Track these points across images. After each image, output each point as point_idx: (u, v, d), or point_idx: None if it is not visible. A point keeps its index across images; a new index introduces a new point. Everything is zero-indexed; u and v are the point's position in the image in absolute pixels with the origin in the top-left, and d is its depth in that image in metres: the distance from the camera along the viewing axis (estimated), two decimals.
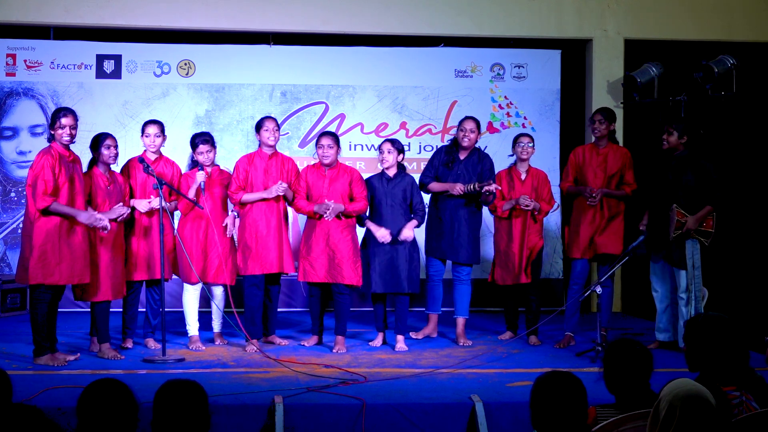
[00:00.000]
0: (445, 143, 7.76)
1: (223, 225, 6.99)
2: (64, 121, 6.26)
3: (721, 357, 3.55)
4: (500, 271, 7.42)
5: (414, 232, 7.06)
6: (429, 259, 7.51)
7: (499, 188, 7.28)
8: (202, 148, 6.99)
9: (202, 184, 6.88)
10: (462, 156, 7.39)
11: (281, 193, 6.96)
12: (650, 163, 7.28)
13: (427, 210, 7.36)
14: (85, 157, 6.71)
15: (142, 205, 6.77)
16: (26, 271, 6.17)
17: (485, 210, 7.71)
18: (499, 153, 9.19)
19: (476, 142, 7.44)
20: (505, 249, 7.38)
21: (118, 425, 3.01)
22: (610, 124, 7.32)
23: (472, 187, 7.18)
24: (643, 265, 7.25)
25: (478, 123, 7.43)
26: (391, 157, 7.11)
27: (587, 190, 7.24)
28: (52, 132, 6.29)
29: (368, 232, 7.15)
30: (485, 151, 8.87)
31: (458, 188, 7.21)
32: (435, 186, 7.39)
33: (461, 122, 7.43)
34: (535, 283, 7.39)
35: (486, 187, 7.11)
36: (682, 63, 9.26)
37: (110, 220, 6.43)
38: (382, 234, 7.00)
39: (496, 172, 7.43)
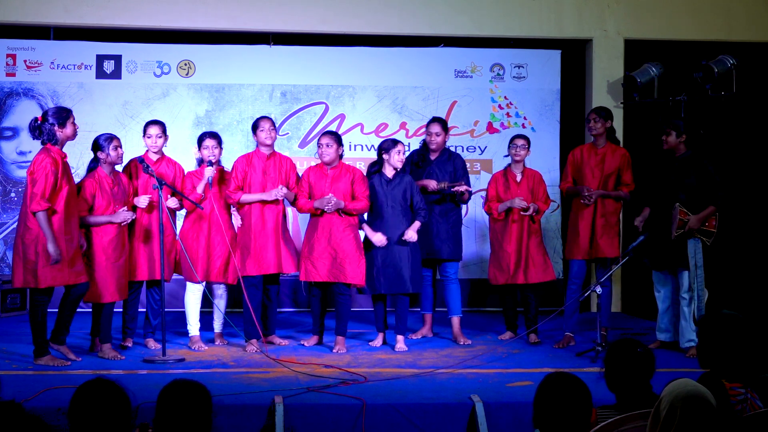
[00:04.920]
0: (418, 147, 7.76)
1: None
2: (71, 118, 6.27)
3: (734, 355, 3.56)
4: (494, 271, 7.44)
5: (412, 233, 7.06)
6: None
7: (470, 189, 7.38)
8: (208, 142, 7.02)
9: (210, 179, 6.89)
10: (433, 157, 7.46)
11: (280, 197, 6.98)
12: (651, 164, 7.28)
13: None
14: (86, 158, 6.71)
15: (141, 201, 6.76)
16: (32, 274, 6.11)
17: (483, 212, 7.71)
18: (499, 153, 9.21)
19: (445, 143, 7.48)
20: (498, 249, 7.40)
21: (111, 426, 3.01)
22: (606, 121, 7.32)
23: (444, 185, 7.27)
24: (643, 265, 7.25)
25: (444, 124, 7.50)
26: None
27: (584, 189, 7.26)
28: (61, 131, 6.21)
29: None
30: (485, 150, 8.87)
31: (432, 184, 7.25)
32: None
33: (428, 125, 7.51)
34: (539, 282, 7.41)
35: (456, 188, 7.24)
36: (682, 63, 9.26)
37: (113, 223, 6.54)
38: (379, 239, 7.01)
39: (493, 172, 7.43)
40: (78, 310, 7.75)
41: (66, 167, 6.25)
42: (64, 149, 6.28)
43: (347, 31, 9.29)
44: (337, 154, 7.07)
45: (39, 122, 6.22)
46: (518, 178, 7.43)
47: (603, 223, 7.27)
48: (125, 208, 6.60)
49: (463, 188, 7.27)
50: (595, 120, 7.34)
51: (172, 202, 6.90)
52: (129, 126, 8.89)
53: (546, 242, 8.96)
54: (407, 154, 7.42)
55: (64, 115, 6.26)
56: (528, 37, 9.46)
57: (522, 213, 7.28)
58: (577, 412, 3.15)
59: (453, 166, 7.43)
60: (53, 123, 6.21)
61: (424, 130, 7.80)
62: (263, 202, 6.99)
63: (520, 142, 7.41)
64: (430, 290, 7.57)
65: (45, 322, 6.24)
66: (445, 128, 7.47)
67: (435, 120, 7.51)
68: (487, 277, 7.55)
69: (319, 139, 7.19)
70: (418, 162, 7.45)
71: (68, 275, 6.18)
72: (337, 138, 7.14)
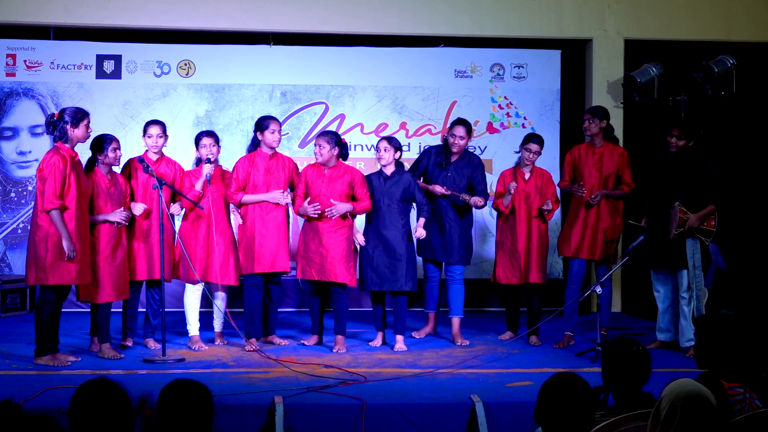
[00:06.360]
0: (436, 144, 7.74)
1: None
2: (86, 121, 6.31)
3: (732, 355, 3.56)
4: (503, 270, 7.41)
5: (421, 230, 7.06)
6: (425, 263, 7.54)
7: (485, 204, 7.31)
8: (205, 141, 7.01)
9: (208, 176, 6.88)
10: (453, 159, 7.40)
11: (284, 204, 6.98)
12: (651, 163, 7.29)
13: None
14: (84, 157, 6.70)
15: (137, 208, 6.74)
16: (42, 271, 6.12)
17: (485, 212, 7.71)
18: (499, 153, 9.22)
19: (465, 146, 7.43)
20: (510, 248, 7.37)
21: (112, 426, 3.02)
22: (601, 120, 7.31)
23: (462, 197, 7.19)
24: (643, 265, 7.24)
25: (468, 128, 7.40)
26: (387, 155, 7.10)
27: (577, 189, 7.23)
28: (72, 131, 6.24)
29: (367, 231, 7.15)
30: (485, 150, 8.83)
31: (438, 190, 7.22)
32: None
33: (452, 127, 7.43)
34: (543, 283, 7.41)
35: (470, 200, 7.19)
36: (682, 63, 9.26)
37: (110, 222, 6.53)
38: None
39: (499, 171, 7.40)
40: (78, 310, 7.75)
41: (76, 166, 6.28)
42: (75, 150, 6.32)
43: (347, 31, 9.29)
44: (331, 154, 6.98)
45: (55, 118, 6.30)
46: (527, 176, 7.40)
47: (600, 222, 7.27)
48: (122, 208, 6.60)
49: (477, 200, 7.21)
50: (589, 120, 7.33)
51: (175, 209, 6.92)
52: (129, 126, 8.89)
53: None
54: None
55: (79, 116, 6.31)
56: (528, 37, 9.46)
57: (544, 209, 7.24)
58: (580, 413, 3.16)
59: (471, 171, 7.37)
60: (67, 121, 6.27)
61: (437, 129, 7.77)
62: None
63: (534, 148, 7.33)
64: (436, 290, 7.55)
65: (50, 321, 6.23)
66: (470, 132, 7.40)
67: (461, 122, 7.39)
68: (494, 278, 7.52)
69: (315, 139, 7.20)
70: (441, 163, 7.37)
71: (77, 275, 6.20)
72: (332, 139, 7.03)
